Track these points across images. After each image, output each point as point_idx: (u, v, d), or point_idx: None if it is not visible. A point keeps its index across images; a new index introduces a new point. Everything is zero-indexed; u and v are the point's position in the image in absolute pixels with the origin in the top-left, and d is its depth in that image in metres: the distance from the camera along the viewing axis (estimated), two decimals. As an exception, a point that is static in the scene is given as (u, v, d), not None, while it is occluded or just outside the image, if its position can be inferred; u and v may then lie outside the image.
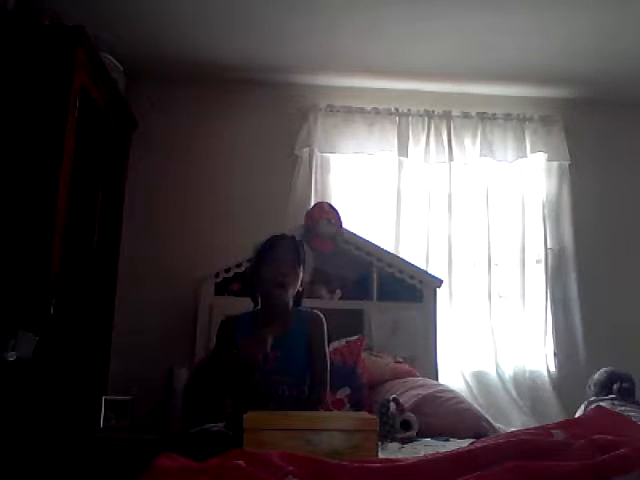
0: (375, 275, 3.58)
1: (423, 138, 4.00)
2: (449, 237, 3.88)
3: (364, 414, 1.79)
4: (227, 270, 3.45)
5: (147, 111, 3.84)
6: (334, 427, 1.62)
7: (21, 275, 2.57)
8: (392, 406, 2.67)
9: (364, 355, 3.22)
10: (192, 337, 3.39)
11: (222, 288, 3.47)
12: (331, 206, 3.61)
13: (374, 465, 1.27)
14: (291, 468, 1.16)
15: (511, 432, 1.56)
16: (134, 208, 3.79)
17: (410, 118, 4.02)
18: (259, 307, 2.29)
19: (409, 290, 3.58)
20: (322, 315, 2.28)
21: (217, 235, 3.77)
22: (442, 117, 4.03)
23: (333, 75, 3.97)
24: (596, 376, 3.23)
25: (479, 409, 2.98)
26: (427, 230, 3.89)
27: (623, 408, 2.89)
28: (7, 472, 2.27)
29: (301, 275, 2.23)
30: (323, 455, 1.36)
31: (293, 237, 2.30)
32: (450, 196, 3.94)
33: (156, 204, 3.86)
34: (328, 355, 2.27)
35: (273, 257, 2.20)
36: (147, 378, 3.40)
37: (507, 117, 4.07)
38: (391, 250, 3.71)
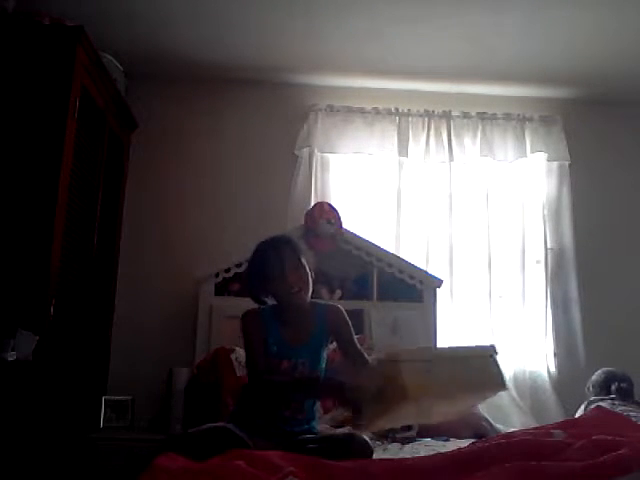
0: (375, 275, 3.58)
1: (423, 138, 3.99)
2: (449, 237, 3.88)
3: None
4: (227, 270, 3.45)
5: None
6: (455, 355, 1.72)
7: (21, 275, 2.57)
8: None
9: (364, 355, 3.21)
10: (192, 337, 3.40)
11: (222, 288, 3.47)
12: (331, 206, 3.62)
13: (374, 465, 1.27)
14: (292, 468, 1.16)
15: (511, 432, 1.56)
16: (134, 208, 3.79)
17: (410, 118, 4.01)
18: (276, 305, 2.21)
19: (409, 290, 3.58)
20: (340, 306, 2.26)
21: (217, 235, 3.77)
22: (442, 117, 4.03)
23: (333, 75, 3.97)
24: (594, 377, 3.23)
25: (479, 409, 2.98)
26: (427, 230, 3.89)
27: (623, 408, 2.88)
28: (7, 472, 2.27)
29: (310, 273, 2.17)
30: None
31: (291, 238, 2.26)
32: (450, 196, 3.94)
33: (156, 204, 3.86)
34: (357, 342, 2.24)
35: (284, 260, 2.12)
36: (147, 378, 3.40)
37: (507, 117, 4.07)
38: (391, 250, 3.71)
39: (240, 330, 2.20)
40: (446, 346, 2.10)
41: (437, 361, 1.60)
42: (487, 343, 2.01)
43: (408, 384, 1.43)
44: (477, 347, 2.07)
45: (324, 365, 2.20)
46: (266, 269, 2.14)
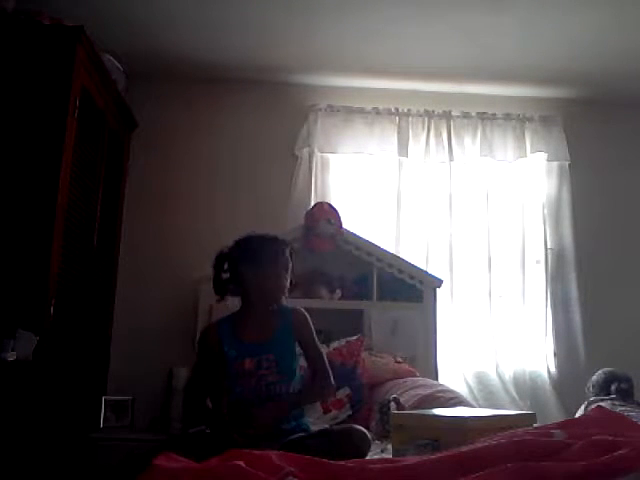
0: (375, 275, 3.57)
1: (423, 138, 4.00)
2: (449, 237, 3.88)
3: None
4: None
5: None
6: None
7: (21, 275, 2.56)
8: (392, 406, 2.66)
9: (364, 355, 3.22)
10: (192, 337, 3.38)
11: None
12: (331, 206, 3.61)
13: (375, 466, 1.27)
14: (291, 469, 1.16)
15: (511, 432, 1.56)
16: (134, 208, 3.79)
17: (410, 118, 4.02)
18: (239, 309, 2.29)
19: (409, 290, 3.58)
20: (304, 310, 2.31)
21: (217, 235, 3.75)
22: (442, 117, 4.03)
23: (333, 75, 3.97)
24: (594, 377, 3.23)
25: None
26: (427, 230, 3.89)
27: (623, 408, 2.89)
28: (7, 472, 2.27)
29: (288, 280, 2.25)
30: None
31: (280, 239, 2.29)
32: (450, 196, 3.94)
33: (156, 204, 3.86)
34: (320, 347, 2.32)
35: (272, 260, 2.20)
36: (147, 378, 3.40)
37: (507, 117, 4.07)
38: (391, 250, 3.71)
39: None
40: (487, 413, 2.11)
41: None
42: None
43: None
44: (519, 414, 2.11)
45: (296, 366, 2.22)
46: (258, 262, 2.19)
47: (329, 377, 2.23)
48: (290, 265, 2.24)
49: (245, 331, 2.21)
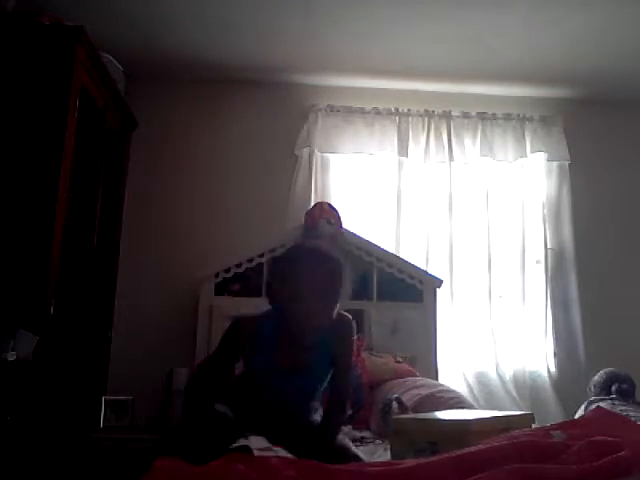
0: (375, 275, 3.58)
1: (423, 138, 4.00)
2: (449, 237, 3.88)
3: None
4: (227, 270, 3.45)
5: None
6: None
7: (21, 275, 2.57)
8: (394, 406, 2.66)
9: (364, 355, 3.22)
10: (192, 337, 3.40)
11: (222, 288, 3.47)
12: (331, 206, 3.61)
13: (375, 468, 1.27)
14: (291, 472, 1.16)
15: (510, 434, 1.56)
16: (134, 208, 3.79)
17: (410, 118, 4.02)
18: (278, 315, 1.91)
19: (409, 290, 3.58)
20: (351, 318, 1.99)
21: (217, 235, 3.77)
22: (442, 117, 4.03)
23: (333, 75, 3.97)
24: (596, 377, 3.23)
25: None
26: (427, 230, 3.89)
27: (623, 408, 2.88)
28: (7, 472, 2.27)
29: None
30: None
31: (333, 258, 1.89)
32: (450, 196, 3.94)
33: (156, 204, 3.86)
34: (352, 369, 2.08)
35: (320, 282, 1.81)
36: (147, 378, 3.40)
37: (507, 117, 4.07)
38: (391, 250, 3.71)
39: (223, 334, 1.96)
40: (485, 414, 2.07)
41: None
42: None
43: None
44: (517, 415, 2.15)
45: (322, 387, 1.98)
46: (308, 275, 1.82)
47: (342, 412, 1.95)
48: (340, 290, 1.85)
49: (283, 347, 1.89)
